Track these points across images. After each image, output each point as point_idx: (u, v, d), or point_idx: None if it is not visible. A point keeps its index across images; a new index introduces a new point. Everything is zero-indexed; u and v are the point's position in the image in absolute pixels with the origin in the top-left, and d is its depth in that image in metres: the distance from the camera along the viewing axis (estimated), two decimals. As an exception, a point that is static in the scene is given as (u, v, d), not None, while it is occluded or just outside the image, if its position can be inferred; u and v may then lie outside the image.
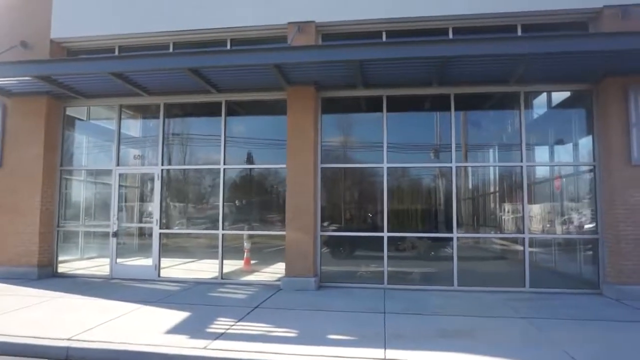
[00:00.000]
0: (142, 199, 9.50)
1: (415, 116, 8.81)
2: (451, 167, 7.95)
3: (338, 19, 8.23)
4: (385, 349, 4.51)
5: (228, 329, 5.23)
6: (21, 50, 8.89)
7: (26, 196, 8.62)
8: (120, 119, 9.11)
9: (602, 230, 7.45)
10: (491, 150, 8.70)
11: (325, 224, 8.29)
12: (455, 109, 7.99)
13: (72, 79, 7.96)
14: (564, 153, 8.35)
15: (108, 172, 9.11)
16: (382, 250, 7.91)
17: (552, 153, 8.41)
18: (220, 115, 8.61)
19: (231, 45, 8.78)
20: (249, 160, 8.76)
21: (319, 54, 7.14)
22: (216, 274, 8.36)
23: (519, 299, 6.91)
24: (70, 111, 9.41)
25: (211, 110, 8.74)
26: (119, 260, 8.80)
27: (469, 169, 8.36)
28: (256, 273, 8.62)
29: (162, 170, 8.80)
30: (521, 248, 7.75)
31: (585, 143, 7.93)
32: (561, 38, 6.65)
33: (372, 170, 8.38)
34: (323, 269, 8.11)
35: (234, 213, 8.81)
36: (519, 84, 7.67)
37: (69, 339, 4.75)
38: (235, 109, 8.87)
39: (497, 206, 8.50)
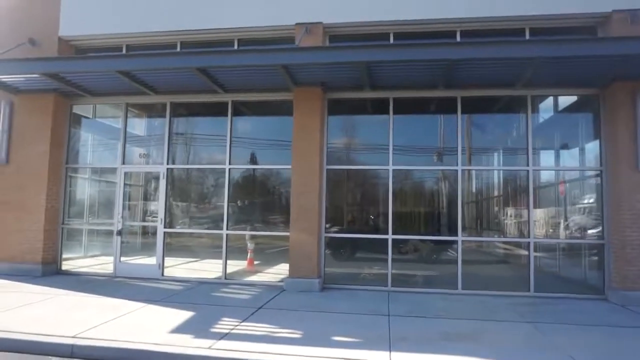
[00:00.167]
0: (147, 197, 9.51)
1: (422, 119, 8.80)
2: (457, 170, 7.93)
3: (346, 20, 8.23)
4: (390, 351, 4.50)
5: (232, 329, 5.23)
6: (29, 48, 8.92)
7: (32, 193, 8.65)
8: (126, 117, 9.13)
9: (607, 235, 7.41)
10: (497, 154, 8.68)
11: (330, 225, 8.27)
12: (462, 112, 7.98)
13: (80, 77, 7.99)
14: (570, 158, 8.32)
15: (113, 171, 9.13)
16: (387, 253, 7.89)
17: (558, 157, 8.38)
18: (227, 115, 8.62)
19: (238, 46, 8.78)
20: (254, 160, 8.76)
21: (327, 55, 7.15)
22: (220, 274, 8.36)
23: (524, 304, 6.88)
24: (77, 109, 9.44)
25: (217, 110, 8.75)
26: (122, 258, 8.81)
27: (475, 172, 8.34)
28: (259, 273, 8.61)
29: (167, 169, 8.81)
30: (526, 252, 7.72)
31: (592, 148, 7.89)
32: (570, 42, 6.62)
33: (378, 172, 8.38)
34: (327, 270, 8.09)
35: (238, 213, 8.80)
36: (526, 87, 7.64)
37: (73, 337, 4.76)
38: (241, 109, 8.89)
39: (503, 210, 8.46)
